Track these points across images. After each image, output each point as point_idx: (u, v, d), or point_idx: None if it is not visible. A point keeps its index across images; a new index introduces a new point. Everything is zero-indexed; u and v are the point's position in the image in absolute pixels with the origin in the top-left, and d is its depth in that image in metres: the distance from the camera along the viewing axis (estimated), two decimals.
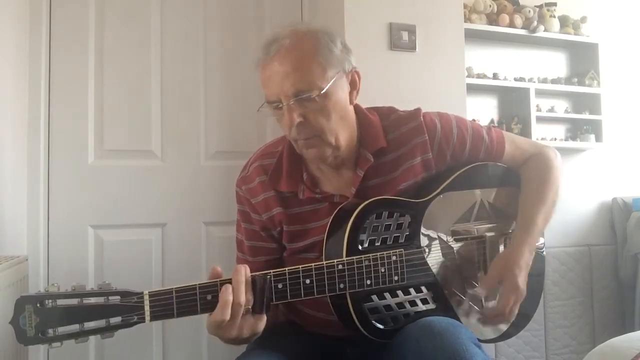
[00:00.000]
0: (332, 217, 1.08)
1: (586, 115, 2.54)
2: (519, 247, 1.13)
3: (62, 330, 0.83)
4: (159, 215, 1.91)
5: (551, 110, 2.51)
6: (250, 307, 0.93)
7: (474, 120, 1.64)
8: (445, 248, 1.12)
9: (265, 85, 1.07)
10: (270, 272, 0.96)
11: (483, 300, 1.13)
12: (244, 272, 0.93)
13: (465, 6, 2.21)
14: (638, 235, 2.41)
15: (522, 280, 1.10)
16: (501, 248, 1.19)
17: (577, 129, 2.58)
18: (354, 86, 1.13)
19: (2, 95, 1.53)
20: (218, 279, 0.92)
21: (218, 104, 1.99)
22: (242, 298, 0.91)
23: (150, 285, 1.86)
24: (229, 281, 0.92)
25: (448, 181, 1.15)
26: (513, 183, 1.23)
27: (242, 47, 2.02)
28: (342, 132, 1.10)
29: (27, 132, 1.75)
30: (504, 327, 1.18)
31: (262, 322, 0.95)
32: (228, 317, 0.90)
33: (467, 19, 2.27)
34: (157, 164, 1.92)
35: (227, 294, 0.90)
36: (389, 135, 1.16)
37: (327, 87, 1.04)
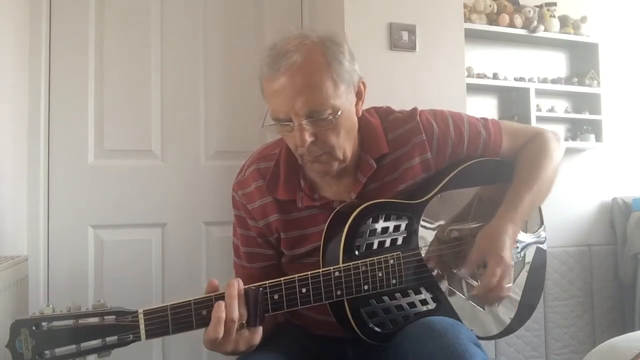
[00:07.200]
0: (328, 221, 1.06)
1: (586, 115, 2.53)
2: (501, 221, 1.09)
3: (59, 351, 0.83)
4: (159, 215, 1.91)
5: (551, 110, 2.51)
6: (244, 321, 0.91)
7: None
8: (444, 248, 1.11)
9: (271, 101, 1.01)
10: (265, 284, 0.94)
11: (467, 281, 1.09)
12: (237, 286, 0.91)
13: (465, 6, 2.21)
14: (638, 235, 2.40)
15: (506, 253, 1.05)
16: None
17: (577, 129, 2.57)
18: (359, 97, 1.09)
19: (2, 95, 1.53)
20: (213, 294, 0.91)
21: (218, 104, 1.99)
22: (235, 314, 0.89)
23: (150, 285, 1.88)
24: (224, 295, 0.91)
25: (445, 181, 1.14)
26: (510, 178, 1.21)
27: (242, 47, 2.02)
28: (348, 145, 1.07)
29: (27, 132, 1.75)
30: (505, 317, 1.16)
31: (258, 335, 0.94)
32: (221, 334, 0.88)
33: (467, 19, 2.27)
34: (157, 164, 1.92)
35: (219, 311, 0.88)
36: (388, 136, 1.14)
37: (340, 105, 1.00)
